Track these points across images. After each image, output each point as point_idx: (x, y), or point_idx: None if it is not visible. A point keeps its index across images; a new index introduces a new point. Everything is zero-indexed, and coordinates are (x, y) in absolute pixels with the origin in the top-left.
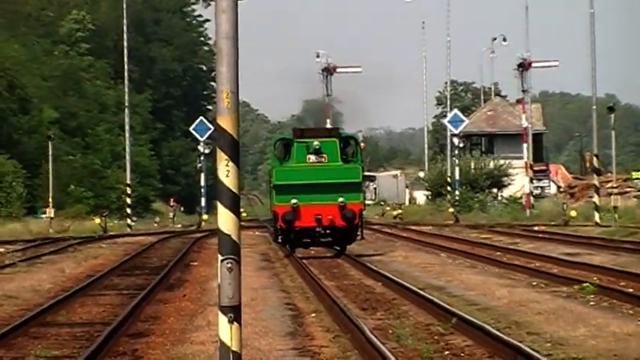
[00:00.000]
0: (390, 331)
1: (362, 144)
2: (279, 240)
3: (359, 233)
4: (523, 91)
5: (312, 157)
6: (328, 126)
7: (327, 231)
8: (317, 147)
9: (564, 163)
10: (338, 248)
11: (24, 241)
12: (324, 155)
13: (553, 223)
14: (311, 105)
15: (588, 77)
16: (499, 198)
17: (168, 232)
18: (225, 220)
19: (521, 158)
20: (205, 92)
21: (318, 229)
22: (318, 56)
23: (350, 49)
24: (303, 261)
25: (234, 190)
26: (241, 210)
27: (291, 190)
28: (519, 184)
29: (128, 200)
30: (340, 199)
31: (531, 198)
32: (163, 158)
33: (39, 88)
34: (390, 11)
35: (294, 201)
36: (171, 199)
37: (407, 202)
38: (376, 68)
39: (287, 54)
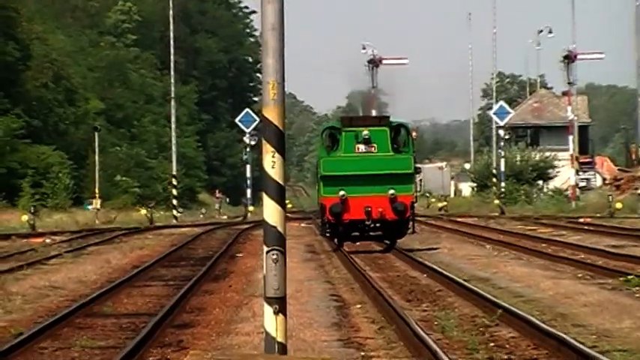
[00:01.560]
0: (435, 323)
1: (414, 133)
2: (327, 234)
3: (410, 227)
4: (569, 83)
5: (362, 147)
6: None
7: (377, 224)
8: (366, 136)
9: (610, 155)
10: (388, 242)
11: (70, 232)
12: (374, 145)
13: (598, 215)
14: (357, 97)
15: (634, 69)
16: (545, 190)
17: (213, 224)
18: (270, 211)
19: (566, 150)
20: (251, 84)
21: (367, 223)
22: (364, 48)
23: (396, 41)
24: (348, 252)
25: (280, 181)
26: (287, 201)
27: (339, 181)
28: (565, 176)
29: (174, 191)
30: (391, 191)
31: (577, 190)
32: (209, 150)
33: (85, 79)
34: (436, 3)
35: (342, 193)
36: (217, 191)
37: (452, 194)
38: (422, 60)
39: (333, 45)
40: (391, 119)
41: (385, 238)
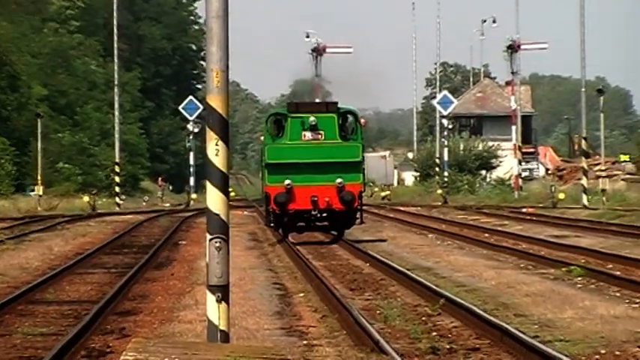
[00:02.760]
0: (378, 312)
1: (362, 120)
2: (271, 224)
3: (358, 217)
4: (512, 73)
5: (308, 134)
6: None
7: (324, 214)
8: (313, 123)
9: (553, 145)
10: (335, 233)
11: (12, 219)
12: (321, 132)
13: (541, 205)
14: (300, 85)
15: (579, 60)
16: (487, 180)
17: (156, 211)
18: (214, 199)
19: (509, 140)
20: (195, 71)
21: (313, 213)
22: (307, 36)
23: (339, 29)
24: (292, 241)
25: (224, 169)
26: (230, 190)
27: (284, 169)
28: (508, 166)
29: (117, 179)
30: (338, 180)
31: (520, 180)
32: (152, 137)
33: (28, 66)
34: None
35: (287, 182)
36: (160, 178)
37: (395, 183)
38: (366, 48)
39: (276, 33)
40: (339, 105)
41: (332, 228)
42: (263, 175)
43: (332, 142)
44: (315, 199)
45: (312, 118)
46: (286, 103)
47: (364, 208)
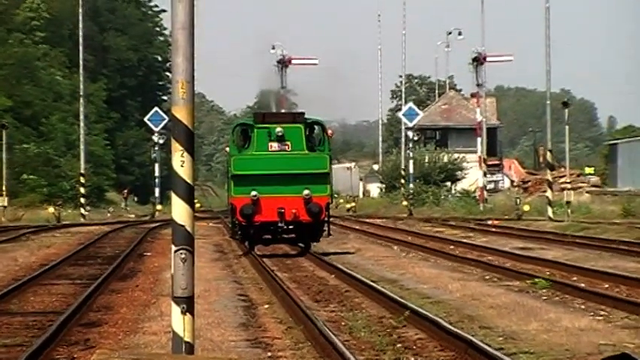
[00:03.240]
0: (343, 324)
1: (329, 131)
2: (237, 236)
3: (325, 229)
4: (478, 85)
5: (275, 145)
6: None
7: (291, 226)
8: (280, 133)
9: (518, 157)
10: (302, 246)
11: None
12: (288, 143)
13: (506, 217)
14: (266, 96)
15: (544, 72)
16: (453, 192)
17: (121, 222)
18: (179, 210)
19: (475, 152)
20: (160, 83)
21: (280, 225)
22: (273, 48)
23: (305, 40)
24: (257, 253)
25: (189, 180)
26: (195, 201)
27: (250, 180)
28: (473, 178)
29: (82, 190)
30: (305, 192)
31: (485, 192)
32: (118, 148)
33: None
34: (345, 3)
35: (254, 193)
36: (124, 189)
37: (361, 195)
38: (331, 59)
39: (243, 45)
40: (306, 116)
41: (299, 241)
42: (229, 187)
43: (299, 153)
44: (282, 210)
45: (278, 129)
46: (252, 114)
47: (331, 220)
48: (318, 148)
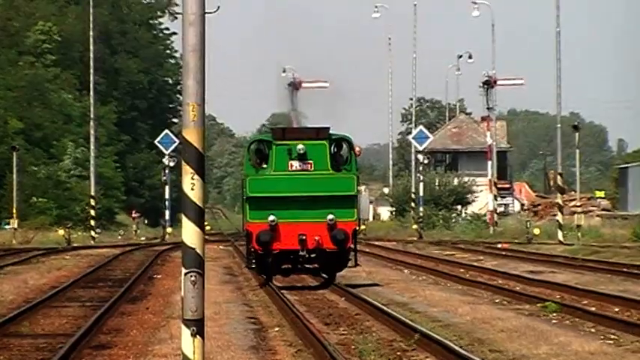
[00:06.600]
0: (353, 347)
1: (357, 148)
2: (253, 265)
3: (351, 258)
4: (488, 108)
5: (296, 164)
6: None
7: (313, 255)
8: (302, 151)
9: (528, 181)
10: (325, 276)
11: None
12: (311, 161)
13: (516, 240)
14: (277, 119)
15: (554, 95)
16: (463, 215)
17: (132, 245)
18: (189, 233)
19: (485, 176)
20: (171, 105)
21: (301, 253)
22: (284, 71)
23: (316, 64)
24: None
25: (199, 203)
26: (205, 224)
27: (268, 204)
28: (483, 201)
29: (92, 212)
30: (330, 217)
31: (495, 215)
32: (128, 170)
33: (4, 99)
34: (356, 26)
35: (272, 218)
36: (134, 211)
37: (371, 218)
38: (342, 83)
39: (253, 67)
40: (331, 132)
41: (322, 271)
42: (244, 210)
43: (323, 173)
44: (304, 237)
45: (300, 146)
46: (270, 129)
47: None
48: (344, 167)
